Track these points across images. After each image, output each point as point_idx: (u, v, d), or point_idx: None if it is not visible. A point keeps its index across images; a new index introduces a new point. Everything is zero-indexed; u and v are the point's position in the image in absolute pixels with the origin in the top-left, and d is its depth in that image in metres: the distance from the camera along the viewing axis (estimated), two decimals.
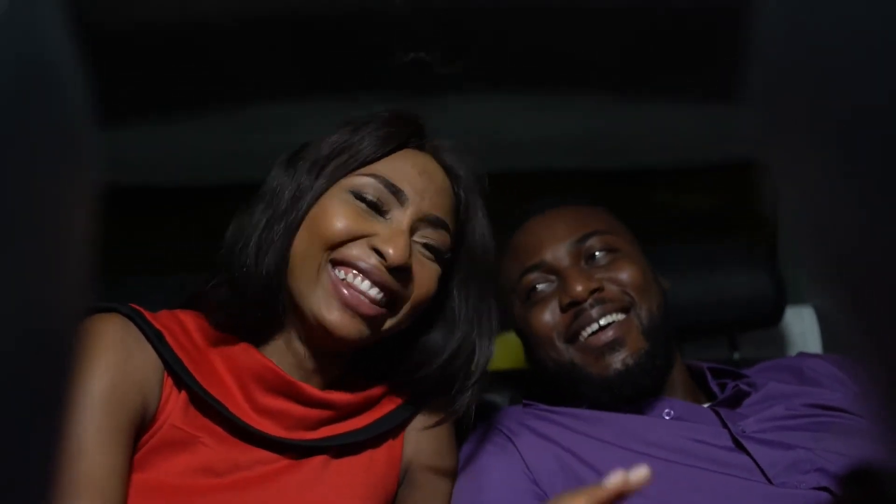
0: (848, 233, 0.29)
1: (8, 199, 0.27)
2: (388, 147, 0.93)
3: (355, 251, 0.88)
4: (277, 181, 0.94)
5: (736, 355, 1.50)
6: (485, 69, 1.34)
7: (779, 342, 1.57)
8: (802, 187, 0.32)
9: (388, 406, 0.98)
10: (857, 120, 0.27)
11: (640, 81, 1.40)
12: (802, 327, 1.56)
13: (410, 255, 0.89)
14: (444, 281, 0.96)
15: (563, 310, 1.05)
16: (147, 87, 1.33)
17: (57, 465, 0.31)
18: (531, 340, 1.11)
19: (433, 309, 0.97)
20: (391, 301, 0.90)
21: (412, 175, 0.92)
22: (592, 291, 1.04)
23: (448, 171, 0.97)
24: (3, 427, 0.27)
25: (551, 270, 1.09)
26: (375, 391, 0.97)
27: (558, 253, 1.09)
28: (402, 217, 0.91)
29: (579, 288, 1.03)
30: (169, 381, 0.88)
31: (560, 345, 1.06)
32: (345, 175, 0.91)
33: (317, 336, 0.90)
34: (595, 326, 1.03)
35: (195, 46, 1.23)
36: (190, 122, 1.46)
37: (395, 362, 0.99)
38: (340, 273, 0.88)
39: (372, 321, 0.89)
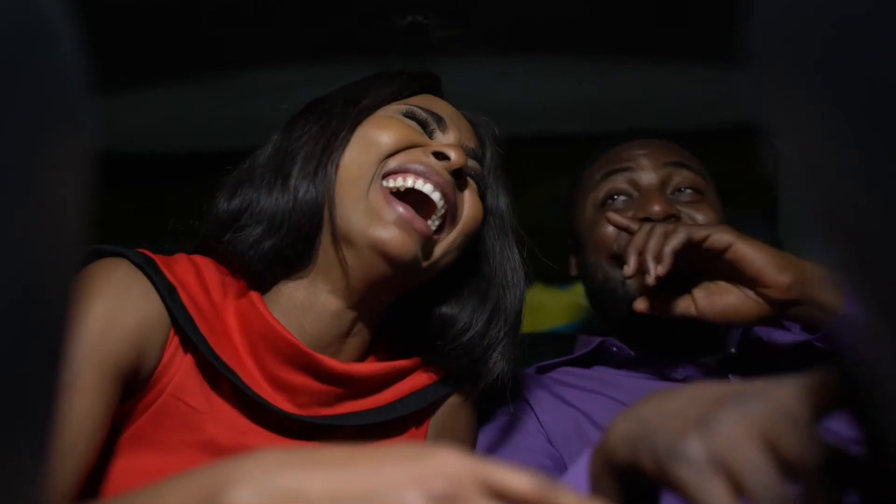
0: (849, 194, 0.29)
1: (3, 166, 0.26)
2: (420, 85, 0.92)
3: (412, 157, 0.83)
4: (302, 125, 0.88)
5: None
6: (483, 33, 1.33)
7: None
8: (803, 149, 0.32)
9: (415, 382, 0.90)
10: (858, 79, 0.27)
11: (640, 45, 1.38)
12: None
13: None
14: (471, 245, 0.90)
15: None
16: (145, 53, 1.32)
17: (56, 416, 0.31)
18: (589, 246, 1.09)
19: (460, 276, 0.91)
20: (442, 225, 0.85)
21: (447, 109, 0.91)
22: (669, 216, 1.01)
23: (468, 119, 0.94)
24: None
25: (636, 184, 1.08)
26: (403, 363, 0.89)
27: (647, 171, 1.08)
28: (447, 139, 0.88)
29: (657, 207, 1.01)
30: (175, 341, 0.81)
31: (608, 266, 1.05)
32: (382, 106, 0.88)
33: (365, 265, 0.81)
34: None
35: (193, 12, 1.22)
36: (188, 89, 1.45)
37: (422, 335, 0.91)
38: (396, 180, 0.82)
39: (426, 242, 0.82)
